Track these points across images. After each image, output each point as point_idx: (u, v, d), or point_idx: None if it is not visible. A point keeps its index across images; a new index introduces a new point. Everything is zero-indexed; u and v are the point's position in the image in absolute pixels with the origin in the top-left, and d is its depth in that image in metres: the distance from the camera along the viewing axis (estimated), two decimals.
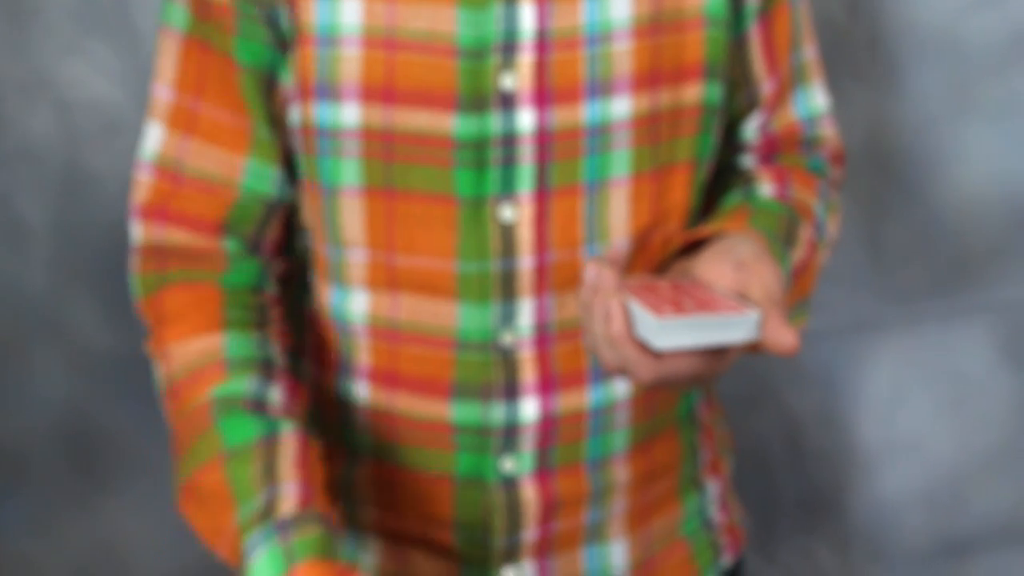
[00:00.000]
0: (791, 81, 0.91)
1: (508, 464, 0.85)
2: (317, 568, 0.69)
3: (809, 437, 1.42)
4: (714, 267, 0.75)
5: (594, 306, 0.71)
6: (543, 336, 0.82)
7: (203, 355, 0.79)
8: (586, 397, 0.85)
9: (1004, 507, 1.47)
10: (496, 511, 0.86)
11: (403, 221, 0.80)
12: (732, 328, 0.68)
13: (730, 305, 0.69)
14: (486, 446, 0.84)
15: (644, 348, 0.69)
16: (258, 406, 0.78)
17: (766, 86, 0.89)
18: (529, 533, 0.87)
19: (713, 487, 0.96)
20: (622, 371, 0.70)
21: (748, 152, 0.94)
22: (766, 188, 0.90)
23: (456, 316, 0.81)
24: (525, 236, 0.80)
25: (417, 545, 0.88)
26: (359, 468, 0.88)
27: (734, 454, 1.42)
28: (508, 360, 0.83)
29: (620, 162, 0.80)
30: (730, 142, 0.94)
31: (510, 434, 0.84)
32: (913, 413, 1.41)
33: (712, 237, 0.84)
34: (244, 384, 0.78)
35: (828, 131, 0.94)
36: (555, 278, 0.81)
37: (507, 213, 0.79)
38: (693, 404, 0.92)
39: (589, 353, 0.84)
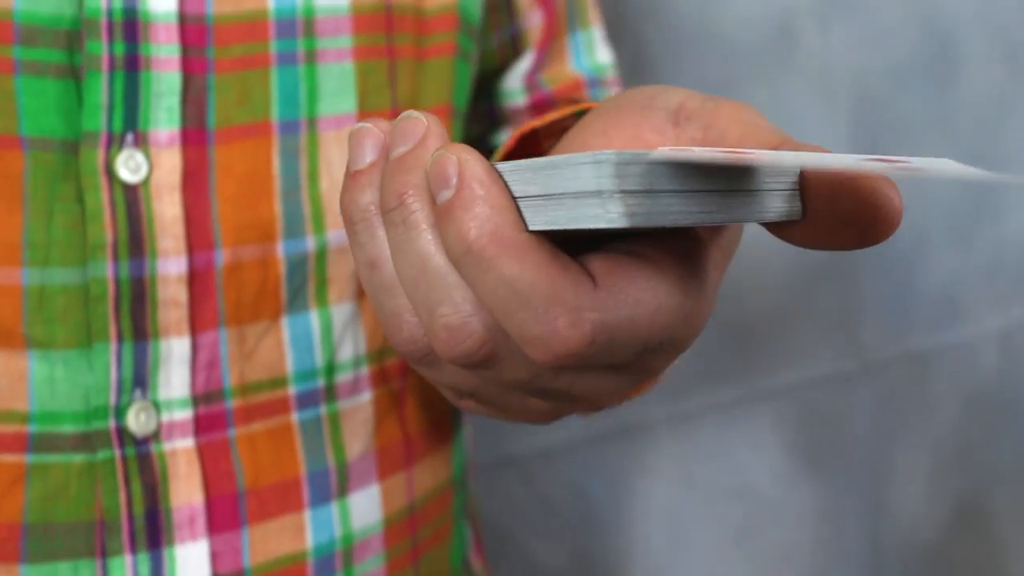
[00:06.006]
0: (565, 17, 0.63)
1: None
2: None
3: None
4: (629, 128, 0.40)
5: (402, 182, 0.33)
6: (209, 417, 0.47)
7: None
8: (305, 535, 0.49)
9: None
10: None
11: None
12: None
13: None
14: None
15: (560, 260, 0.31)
16: None
17: (534, 17, 0.62)
18: None
19: None
20: (476, 356, 0.32)
21: (508, 123, 0.63)
22: None
23: (30, 381, 0.44)
24: (167, 213, 0.45)
25: None
26: None
27: None
28: (143, 465, 0.46)
29: (337, 85, 0.49)
30: (481, 110, 0.64)
31: None
32: (696, 551, 1.04)
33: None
34: None
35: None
36: (231, 300, 0.47)
37: (129, 166, 0.44)
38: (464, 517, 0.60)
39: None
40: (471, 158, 0.30)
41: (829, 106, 1.13)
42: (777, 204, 0.31)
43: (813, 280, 1.10)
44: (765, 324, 1.08)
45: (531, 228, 0.30)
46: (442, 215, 0.30)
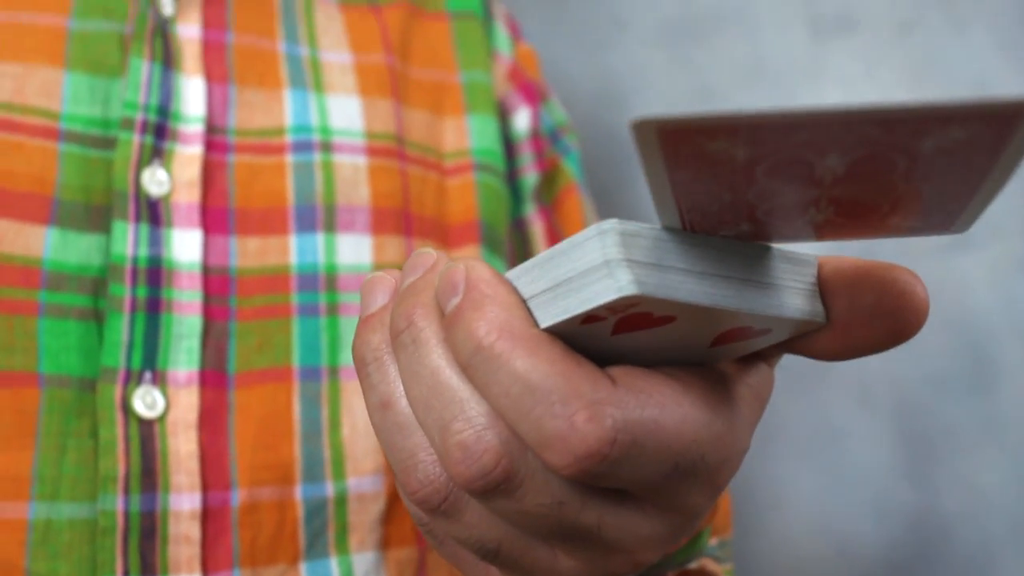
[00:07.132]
0: None
1: None
2: None
3: None
4: None
5: (410, 305, 0.33)
6: None
7: None
8: None
9: None
10: None
11: None
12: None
13: None
14: None
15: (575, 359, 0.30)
16: None
17: None
18: None
19: None
20: (493, 476, 0.30)
21: None
22: None
23: None
24: (182, 449, 0.45)
25: None
26: None
27: None
28: None
29: None
30: None
31: None
32: None
33: None
34: None
35: None
36: (246, 541, 0.46)
37: (146, 401, 0.45)
38: None
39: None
40: (478, 264, 0.30)
41: (871, 417, 1.11)
42: (797, 302, 0.30)
43: None
44: None
45: (542, 326, 0.29)
46: (451, 321, 0.30)
